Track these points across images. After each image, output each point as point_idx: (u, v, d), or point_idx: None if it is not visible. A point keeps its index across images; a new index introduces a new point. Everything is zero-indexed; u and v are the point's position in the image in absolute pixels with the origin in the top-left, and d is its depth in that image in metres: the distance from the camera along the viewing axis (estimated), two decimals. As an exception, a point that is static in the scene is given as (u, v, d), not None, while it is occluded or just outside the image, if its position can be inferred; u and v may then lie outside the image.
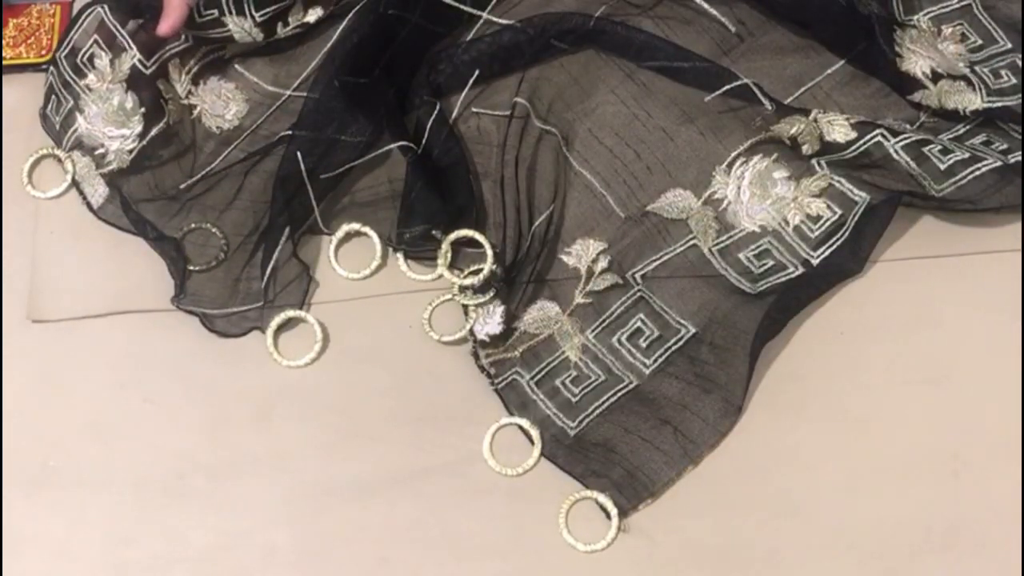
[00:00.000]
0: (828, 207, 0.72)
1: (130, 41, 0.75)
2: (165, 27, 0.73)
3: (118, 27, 0.76)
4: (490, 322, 0.69)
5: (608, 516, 0.65)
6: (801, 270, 0.71)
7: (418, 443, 0.68)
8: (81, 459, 0.69)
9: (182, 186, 0.75)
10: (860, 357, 0.69)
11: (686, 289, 0.71)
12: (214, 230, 0.75)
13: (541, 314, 0.71)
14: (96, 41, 0.76)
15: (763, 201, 0.72)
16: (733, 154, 0.74)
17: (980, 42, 0.77)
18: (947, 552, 0.64)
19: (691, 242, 0.73)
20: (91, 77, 0.76)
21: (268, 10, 0.75)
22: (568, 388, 0.69)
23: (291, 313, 0.71)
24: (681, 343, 0.70)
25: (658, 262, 0.72)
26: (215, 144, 0.78)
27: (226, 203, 0.76)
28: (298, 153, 0.72)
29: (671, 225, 0.73)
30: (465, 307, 0.70)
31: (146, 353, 0.71)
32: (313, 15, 0.78)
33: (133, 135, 0.75)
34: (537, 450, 0.67)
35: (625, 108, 0.76)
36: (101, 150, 0.76)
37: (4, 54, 0.81)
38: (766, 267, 0.71)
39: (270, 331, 0.71)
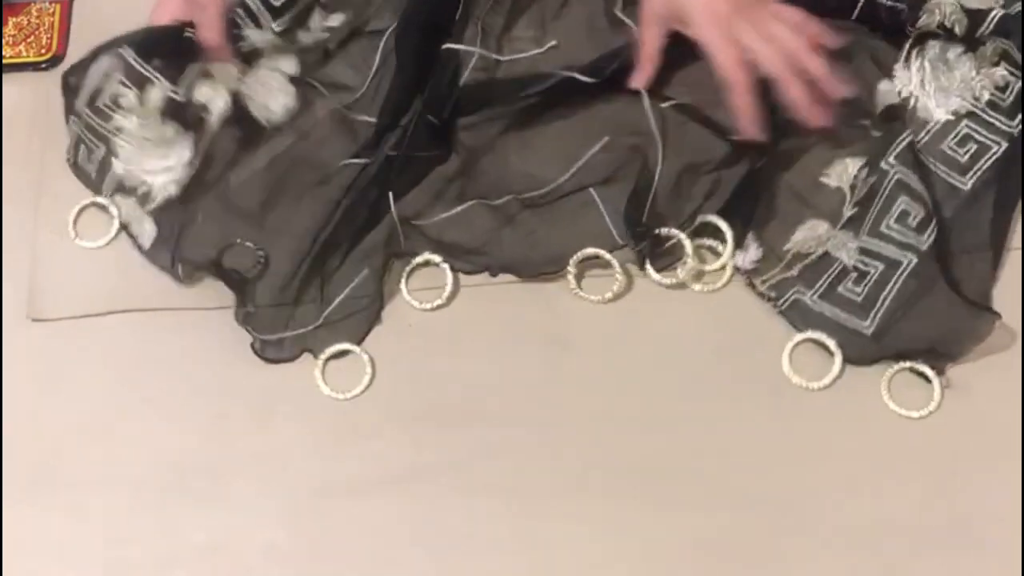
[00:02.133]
0: (1011, 73, 0.73)
1: (158, 74, 0.74)
2: (212, 36, 0.74)
3: (143, 63, 0.74)
4: (748, 250, 0.71)
5: (928, 380, 0.67)
6: (1005, 145, 0.72)
7: (418, 443, 0.68)
8: (81, 458, 0.69)
9: (233, 183, 0.74)
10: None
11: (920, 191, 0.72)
12: (251, 245, 0.73)
13: (811, 233, 0.71)
14: (121, 81, 0.74)
15: (949, 86, 0.74)
16: (904, 51, 0.74)
17: None
18: (947, 552, 0.64)
19: (906, 139, 0.73)
20: (118, 117, 0.74)
21: (283, 17, 0.75)
22: (852, 291, 0.70)
23: (346, 346, 0.71)
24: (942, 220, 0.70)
25: (901, 147, 0.72)
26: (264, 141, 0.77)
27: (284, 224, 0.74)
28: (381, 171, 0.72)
29: (895, 114, 0.74)
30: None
31: (146, 353, 0.71)
32: (335, 20, 0.78)
33: (180, 164, 0.74)
34: (838, 358, 0.68)
35: None
36: (144, 188, 0.74)
37: (4, 53, 0.81)
38: (970, 152, 0.73)
39: (322, 359, 0.70)
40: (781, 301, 0.70)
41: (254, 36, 0.76)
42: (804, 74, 0.71)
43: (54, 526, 0.67)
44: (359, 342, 0.71)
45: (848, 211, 0.72)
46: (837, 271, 0.71)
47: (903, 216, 0.71)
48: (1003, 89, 0.73)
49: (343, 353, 0.71)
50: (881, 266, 0.70)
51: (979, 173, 0.72)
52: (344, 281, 0.72)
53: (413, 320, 0.72)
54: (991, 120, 0.73)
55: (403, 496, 0.67)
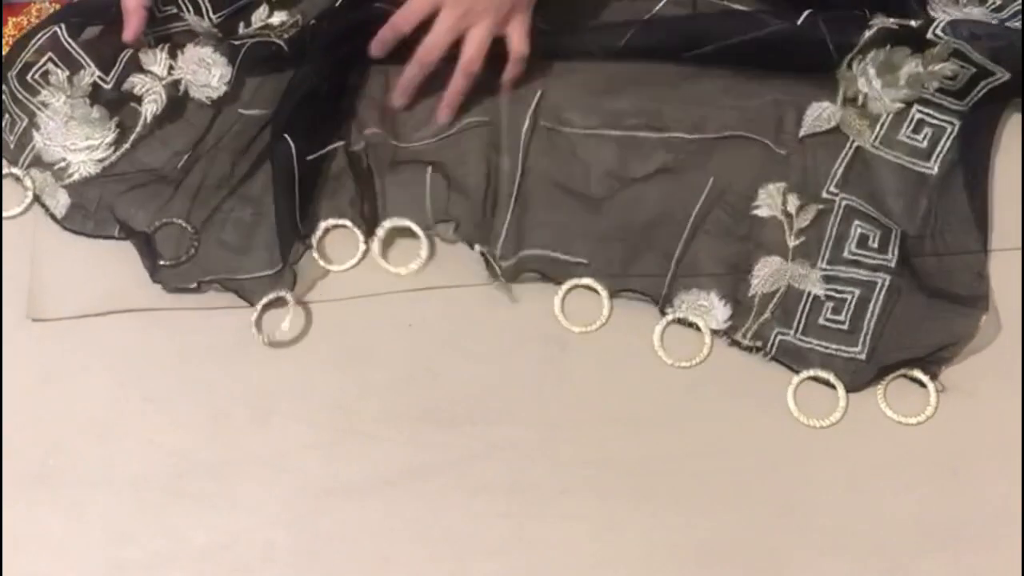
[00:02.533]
0: (960, 65, 0.73)
1: (88, 59, 0.76)
2: (129, 33, 0.75)
3: (74, 45, 0.77)
4: (716, 310, 0.70)
5: (923, 385, 0.68)
6: (959, 123, 0.73)
7: (418, 442, 0.68)
8: (81, 458, 0.68)
9: (180, 165, 0.75)
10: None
11: (877, 197, 0.73)
12: (184, 224, 0.74)
13: (767, 270, 0.71)
14: (51, 58, 0.77)
15: (897, 83, 0.74)
16: (849, 55, 0.74)
17: (1000, 1, 0.77)
18: (947, 552, 0.64)
19: (854, 145, 0.74)
20: (45, 93, 0.76)
21: (224, 12, 0.77)
22: (834, 320, 0.70)
23: (283, 293, 0.72)
24: (899, 239, 0.71)
25: (839, 174, 0.73)
26: (208, 116, 0.78)
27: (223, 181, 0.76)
28: (288, 139, 0.73)
29: (830, 138, 0.75)
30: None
31: (146, 353, 0.71)
32: (277, 17, 0.78)
33: (104, 144, 0.76)
34: (841, 391, 0.68)
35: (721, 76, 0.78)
36: (62, 163, 0.76)
37: (4, 52, 0.81)
38: (928, 135, 0.74)
39: (259, 307, 0.72)
40: (768, 347, 0.70)
41: (192, 21, 0.77)
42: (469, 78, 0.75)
43: (54, 526, 0.67)
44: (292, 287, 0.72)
45: (792, 240, 0.72)
46: (810, 303, 0.71)
47: (863, 240, 0.72)
48: (952, 78, 0.73)
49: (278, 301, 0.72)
50: (856, 290, 0.70)
51: (942, 155, 0.73)
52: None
53: (413, 320, 0.72)
54: (940, 102, 0.74)
55: (403, 496, 0.67)
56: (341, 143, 0.76)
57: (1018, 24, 0.74)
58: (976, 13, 0.77)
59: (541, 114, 0.76)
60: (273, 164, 0.74)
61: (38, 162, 0.77)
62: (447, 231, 0.73)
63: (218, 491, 0.67)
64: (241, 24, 0.78)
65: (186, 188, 0.76)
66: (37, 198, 0.76)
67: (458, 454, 0.68)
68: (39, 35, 0.78)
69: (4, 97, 0.77)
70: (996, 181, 0.74)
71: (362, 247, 0.74)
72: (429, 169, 0.75)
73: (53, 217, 0.75)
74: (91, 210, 0.75)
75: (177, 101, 0.77)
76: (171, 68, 0.77)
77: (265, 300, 0.72)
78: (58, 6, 0.83)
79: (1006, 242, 0.72)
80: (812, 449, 0.67)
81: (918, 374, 0.68)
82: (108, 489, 0.68)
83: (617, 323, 0.72)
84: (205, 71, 0.77)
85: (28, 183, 0.76)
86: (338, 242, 0.75)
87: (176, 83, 0.77)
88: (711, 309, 0.71)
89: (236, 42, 0.78)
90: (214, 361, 0.71)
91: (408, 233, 0.74)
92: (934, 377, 0.68)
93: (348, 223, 0.74)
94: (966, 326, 0.68)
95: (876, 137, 0.75)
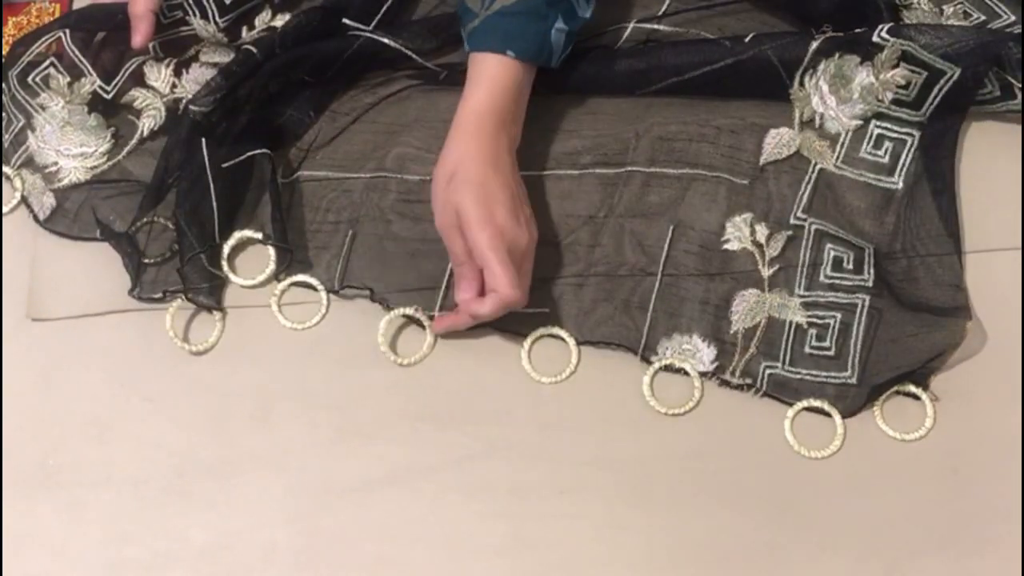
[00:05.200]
0: (912, 70, 0.72)
1: (90, 68, 0.77)
2: (139, 39, 0.74)
3: (77, 53, 0.77)
4: (701, 352, 0.70)
5: (918, 398, 0.68)
6: (918, 134, 0.73)
7: (418, 442, 0.68)
8: (81, 458, 0.69)
9: (170, 179, 0.75)
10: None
11: (846, 217, 0.72)
12: (165, 222, 0.74)
13: (745, 305, 0.71)
14: (53, 63, 0.77)
15: (851, 96, 0.73)
16: (799, 71, 0.74)
17: (983, 18, 0.77)
18: (947, 552, 0.64)
19: (817, 168, 0.74)
20: (44, 96, 0.77)
21: (230, 16, 0.76)
22: (820, 348, 0.70)
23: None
24: (874, 258, 0.71)
25: (805, 199, 0.73)
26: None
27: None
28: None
29: (791, 163, 0.74)
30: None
31: (146, 352, 0.71)
32: (280, 20, 0.78)
33: (98, 152, 0.76)
34: (838, 419, 0.68)
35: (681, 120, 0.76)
36: (53, 167, 0.76)
37: (4, 52, 0.81)
38: (889, 150, 0.73)
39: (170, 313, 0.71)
40: (758, 382, 0.69)
41: (198, 26, 0.76)
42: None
43: (54, 526, 0.67)
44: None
45: (766, 271, 0.71)
46: (793, 333, 0.70)
47: (838, 263, 0.71)
48: (905, 87, 0.72)
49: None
50: (838, 314, 0.70)
51: (905, 168, 0.73)
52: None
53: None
54: (898, 114, 0.74)
55: (403, 496, 0.67)
56: (260, 151, 0.74)
57: (990, 23, 0.75)
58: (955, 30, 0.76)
59: None
60: (184, 163, 0.73)
61: (30, 163, 0.77)
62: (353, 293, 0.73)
63: (218, 491, 0.67)
64: (244, 28, 0.78)
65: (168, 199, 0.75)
66: (24, 200, 0.76)
67: (458, 454, 0.68)
68: (43, 39, 0.77)
69: (4, 97, 0.77)
70: (963, 186, 0.73)
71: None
72: (350, 233, 0.74)
73: (36, 218, 0.75)
74: (74, 212, 0.75)
75: (175, 117, 0.77)
76: (174, 86, 0.77)
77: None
78: (58, 6, 0.83)
79: (1006, 242, 0.72)
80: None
81: (911, 388, 0.68)
82: (108, 489, 0.68)
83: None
84: None
85: (18, 183, 0.76)
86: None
87: (177, 101, 0.77)
88: (696, 352, 0.70)
89: (238, 52, 0.77)
90: (214, 360, 0.71)
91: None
92: (926, 388, 0.68)
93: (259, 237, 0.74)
94: (951, 336, 0.67)
95: (837, 157, 0.74)
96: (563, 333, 0.71)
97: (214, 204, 0.72)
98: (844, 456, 0.67)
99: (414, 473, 0.67)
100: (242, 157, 0.73)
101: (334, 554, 0.66)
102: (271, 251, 0.73)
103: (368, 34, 0.76)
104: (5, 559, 0.66)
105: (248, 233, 0.74)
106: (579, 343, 0.70)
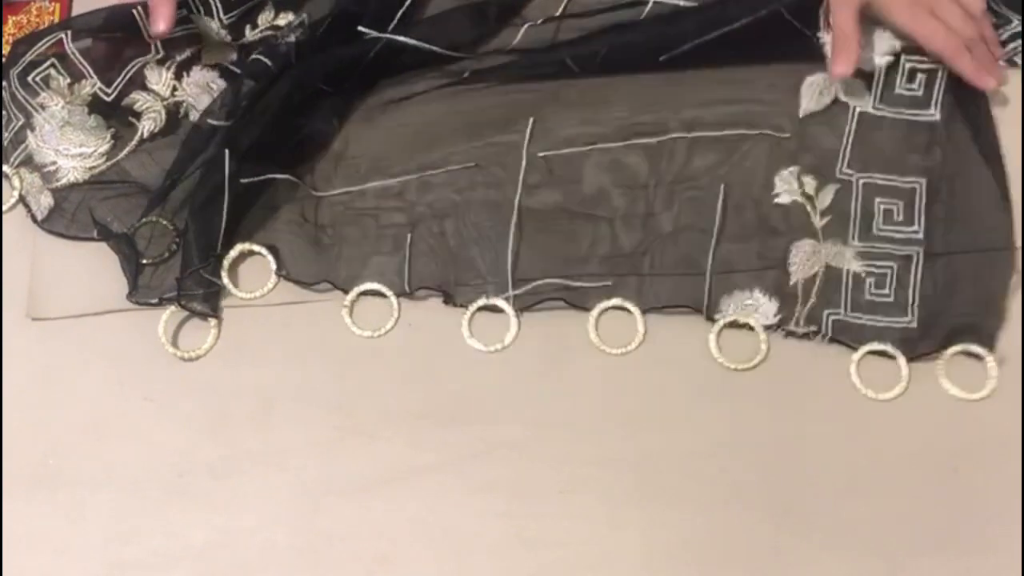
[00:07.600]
0: None
1: (91, 70, 0.76)
2: (161, 26, 0.73)
3: (78, 56, 0.76)
4: (763, 306, 0.71)
5: (981, 358, 0.69)
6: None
7: (418, 441, 0.68)
8: (81, 458, 0.69)
9: (167, 182, 0.75)
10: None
11: (892, 157, 0.74)
12: (165, 223, 0.74)
13: (803, 255, 0.71)
14: (54, 64, 0.77)
15: (876, 29, 0.75)
16: (821, 12, 0.74)
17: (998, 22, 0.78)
18: (947, 552, 0.64)
19: (857, 113, 0.74)
20: (44, 96, 0.76)
21: (234, 13, 0.76)
22: (879, 294, 0.71)
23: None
24: (925, 198, 0.72)
25: (849, 151, 0.74)
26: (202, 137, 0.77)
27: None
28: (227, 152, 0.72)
29: (832, 112, 0.75)
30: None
31: (146, 352, 0.71)
32: (283, 19, 0.78)
33: (97, 153, 0.76)
34: (903, 361, 0.69)
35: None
36: (51, 167, 0.76)
37: (4, 51, 0.81)
38: (922, 81, 0.75)
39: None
40: (823, 328, 0.70)
41: (201, 24, 0.76)
42: (971, 43, 0.73)
43: (54, 525, 0.67)
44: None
45: (819, 221, 0.72)
46: (851, 281, 0.71)
47: (888, 216, 0.72)
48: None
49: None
50: (894, 264, 0.71)
51: (940, 98, 0.74)
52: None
53: (413, 320, 0.72)
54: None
55: (403, 495, 0.67)
56: (284, 176, 0.74)
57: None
58: None
59: (536, 143, 0.75)
60: (204, 174, 0.73)
61: (28, 162, 0.76)
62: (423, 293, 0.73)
63: (218, 489, 0.67)
64: (248, 27, 0.78)
65: (170, 201, 0.75)
66: (22, 199, 0.76)
67: (458, 454, 0.68)
68: (46, 39, 0.77)
69: (4, 95, 0.77)
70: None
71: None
72: (409, 237, 0.73)
73: (33, 218, 0.75)
74: (71, 213, 0.75)
75: (175, 120, 0.77)
76: (174, 89, 0.77)
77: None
78: (58, 6, 0.83)
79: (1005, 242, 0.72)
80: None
81: (976, 348, 0.69)
82: (108, 488, 0.68)
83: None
84: (208, 96, 0.77)
85: (16, 182, 0.76)
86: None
87: (178, 104, 0.77)
88: (759, 306, 0.71)
89: (240, 52, 0.78)
90: (214, 360, 0.71)
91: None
92: (991, 349, 0.69)
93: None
94: (1002, 273, 0.70)
95: (875, 98, 0.75)
96: (628, 304, 0.71)
97: (223, 217, 0.72)
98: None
99: (414, 472, 0.67)
100: (263, 177, 0.73)
101: (334, 554, 0.66)
102: (271, 263, 0.73)
103: (388, 36, 0.76)
104: (5, 559, 0.66)
105: (250, 246, 0.73)
106: (644, 312, 0.71)
